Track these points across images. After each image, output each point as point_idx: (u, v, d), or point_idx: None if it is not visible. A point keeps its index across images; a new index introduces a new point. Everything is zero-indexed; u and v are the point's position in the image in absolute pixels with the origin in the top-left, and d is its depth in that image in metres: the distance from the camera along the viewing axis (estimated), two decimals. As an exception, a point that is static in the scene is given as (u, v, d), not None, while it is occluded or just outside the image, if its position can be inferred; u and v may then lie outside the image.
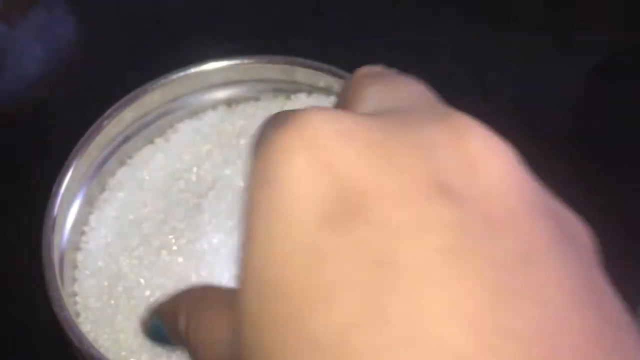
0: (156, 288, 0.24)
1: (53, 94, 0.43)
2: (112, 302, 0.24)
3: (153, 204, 0.26)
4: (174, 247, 0.25)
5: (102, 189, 0.28)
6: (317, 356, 0.11)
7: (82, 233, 0.27)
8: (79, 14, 0.49)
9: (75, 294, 0.25)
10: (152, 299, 0.24)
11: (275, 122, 0.13)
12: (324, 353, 0.11)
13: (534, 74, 0.44)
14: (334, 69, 0.29)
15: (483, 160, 0.13)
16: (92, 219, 0.27)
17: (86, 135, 0.27)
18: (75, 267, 0.26)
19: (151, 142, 0.29)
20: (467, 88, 0.43)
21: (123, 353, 0.24)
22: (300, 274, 0.12)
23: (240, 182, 0.26)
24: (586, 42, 0.46)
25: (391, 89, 0.15)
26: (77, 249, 0.26)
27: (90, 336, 0.23)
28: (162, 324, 0.18)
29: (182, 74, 0.29)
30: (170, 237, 0.25)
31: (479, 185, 0.12)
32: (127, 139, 0.28)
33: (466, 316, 0.11)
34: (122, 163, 0.29)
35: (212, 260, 0.24)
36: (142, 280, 0.24)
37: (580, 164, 0.40)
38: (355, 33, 0.43)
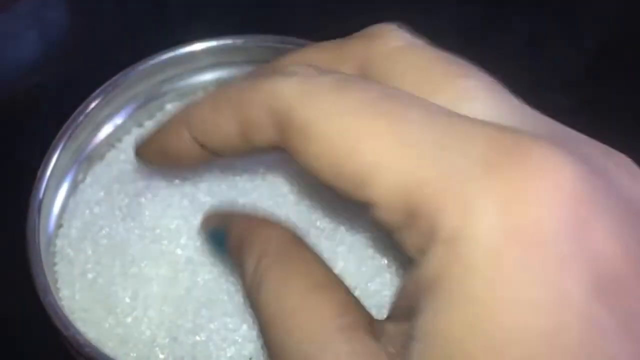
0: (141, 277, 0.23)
1: (45, 78, 0.43)
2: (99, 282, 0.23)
3: (140, 184, 0.26)
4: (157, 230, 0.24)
5: (88, 173, 0.27)
6: None
7: (67, 215, 0.26)
8: (74, 1, 0.49)
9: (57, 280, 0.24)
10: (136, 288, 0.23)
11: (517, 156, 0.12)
12: None
13: (534, 55, 0.43)
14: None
15: None
16: (77, 200, 0.26)
17: (72, 117, 0.26)
18: (59, 249, 0.25)
19: (140, 125, 0.28)
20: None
21: (110, 344, 0.23)
22: (577, 341, 0.11)
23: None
24: (586, 23, 0.46)
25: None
26: (61, 233, 0.26)
27: (77, 323, 0.22)
28: (223, 242, 0.18)
29: (171, 54, 0.28)
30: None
31: None
32: (115, 122, 0.28)
33: None
34: (110, 146, 0.28)
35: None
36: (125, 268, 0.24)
37: None
38: (346, 11, 0.43)
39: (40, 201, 0.24)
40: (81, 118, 0.26)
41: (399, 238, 0.14)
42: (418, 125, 0.13)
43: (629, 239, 0.12)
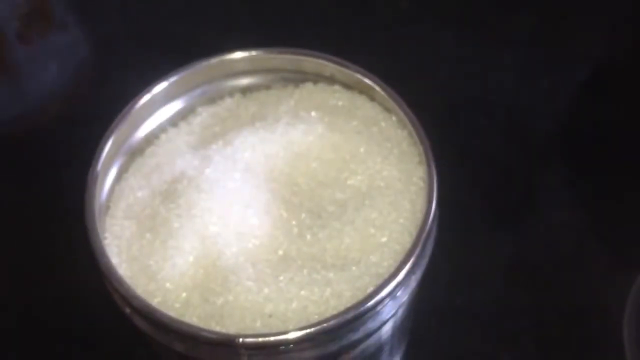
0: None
1: (67, 110, 0.47)
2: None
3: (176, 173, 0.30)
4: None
5: (130, 165, 0.32)
6: None
7: (114, 199, 0.30)
8: (94, 35, 0.53)
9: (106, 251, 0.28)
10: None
11: None
12: None
13: (526, 86, 0.47)
14: (337, 59, 0.32)
15: None
16: (121, 187, 0.31)
17: (117, 118, 0.31)
18: (108, 227, 0.29)
19: (175, 125, 0.33)
20: (462, 100, 0.47)
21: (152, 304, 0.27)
22: None
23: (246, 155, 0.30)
24: (575, 55, 0.49)
25: None
26: (109, 213, 0.30)
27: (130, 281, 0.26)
28: None
29: (204, 64, 0.32)
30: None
31: None
32: (154, 121, 0.32)
33: None
34: (149, 142, 0.32)
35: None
36: (176, 225, 0.28)
37: (571, 171, 0.43)
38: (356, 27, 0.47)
39: (97, 176, 0.28)
40: (125, 118, 0.31)
41: None
42: None
43: None
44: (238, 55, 0.33)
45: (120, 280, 0.25)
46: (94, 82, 0.51)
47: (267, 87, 0.34)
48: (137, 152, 0.32)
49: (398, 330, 0.31)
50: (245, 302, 0.26)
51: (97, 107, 0.43)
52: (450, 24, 0.50)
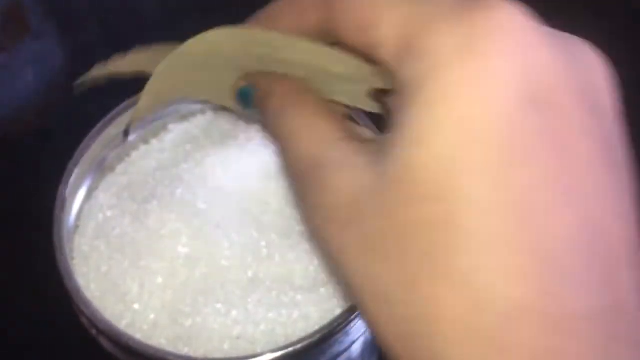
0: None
1: (44, 119, 0.46)
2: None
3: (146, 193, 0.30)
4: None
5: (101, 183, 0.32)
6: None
7: (83, 217, 0.30)
8: (70, 43, 0.52)
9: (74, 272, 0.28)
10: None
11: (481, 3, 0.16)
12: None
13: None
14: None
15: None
16: (91, 205, 0.31)
17: (90, 135, 0.31)
18: (76, 246, 0.29)
19: (147, 142, 0.33)
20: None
21: (119, 326, 0.27)
22: (502, 142, 0.15)
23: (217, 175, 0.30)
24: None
25: None
26: (78, 232, 0.30)
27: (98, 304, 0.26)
28: (252, 93, 0.22)
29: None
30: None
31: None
32: (125, 139, 0.32)
33: None
34: (120, 159, 0.32)
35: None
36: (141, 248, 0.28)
37: None
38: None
39: (63, 202, 0.28)
40: (96, 136, 0.31)
41: (397, 73, 0.17)
42: None
43: (559, 63, 0.16)
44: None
45: (87, 303, 0.25)
46: (68, 90, 0.50)
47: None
48: (107, 169, 0.32)
49: (368, 348, 0.31)
50: (213, 324, 0.26)
51: (71, 118, 0.43)
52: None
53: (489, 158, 0.15)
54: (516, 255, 0.15)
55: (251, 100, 0.22)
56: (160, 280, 0.28)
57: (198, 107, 0.33)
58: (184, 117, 0.33)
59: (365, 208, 0.17)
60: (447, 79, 0.15)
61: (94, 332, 0.26)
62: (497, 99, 0.15)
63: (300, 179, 0.19)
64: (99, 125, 0.31)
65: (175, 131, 0.33)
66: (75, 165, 0.29)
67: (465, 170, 0.15)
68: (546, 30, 0.17)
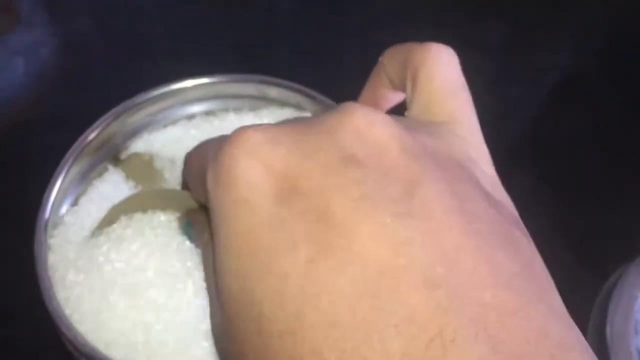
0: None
1: (34, 112, 0.45)
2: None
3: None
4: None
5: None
6: (288, 284, 0.16)
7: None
8: (61, 34, 0.51)
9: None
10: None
11: (222, 140, 0.18)
12: (292, 283, 0.16)
13: (497, 92, 0.47)
14: (300, 87, 0.32)
15: (366, 130, 0.18)
16: (78, 210, 0.29)
17: (74, 146, 0.30)
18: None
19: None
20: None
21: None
22: (268, 236, 0.17)
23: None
24: (544, 63, 0.49)
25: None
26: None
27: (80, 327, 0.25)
28: (191, 226, 0.26)
29: (161, 91, 0.31)
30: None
31: (369, 148, 0.18)
32: (110, 149, 0.31)
33: (381, 236, 0.16)
34: (105, 169, 0.31)
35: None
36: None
37: (539, 178, 0.43)
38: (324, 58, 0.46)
39: (47, 220, 0.27)
40: (81, 146, 0.30)
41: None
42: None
43: (298, 152, 0.18)
44: (202, 81, 0.32)
45: (68, 327, 0.25)
46: (58, 83, 0.49)
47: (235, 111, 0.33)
48: (81, 194, 0.31)
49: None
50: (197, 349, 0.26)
51: (59, 112, 0.42)
52: (420, 32, 0.50)
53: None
54: None
55: (192, 230, 0.26)
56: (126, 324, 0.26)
57: (186, 114, 0.33)
58: (165, 127, 0.33)
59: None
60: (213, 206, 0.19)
61: (76, 354, 0.25)
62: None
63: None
64: (82, 137, 0.30)
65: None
66: (50, 195, 0.28)
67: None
68: (275, 132, 0.18)
